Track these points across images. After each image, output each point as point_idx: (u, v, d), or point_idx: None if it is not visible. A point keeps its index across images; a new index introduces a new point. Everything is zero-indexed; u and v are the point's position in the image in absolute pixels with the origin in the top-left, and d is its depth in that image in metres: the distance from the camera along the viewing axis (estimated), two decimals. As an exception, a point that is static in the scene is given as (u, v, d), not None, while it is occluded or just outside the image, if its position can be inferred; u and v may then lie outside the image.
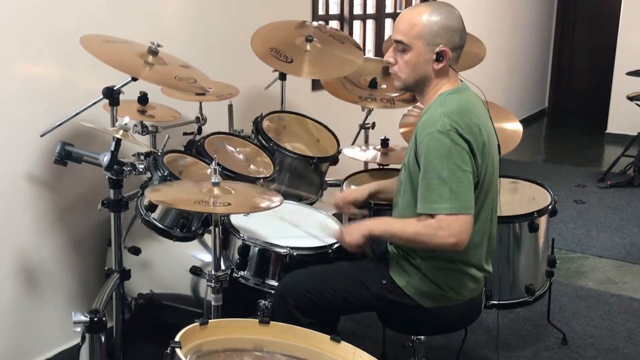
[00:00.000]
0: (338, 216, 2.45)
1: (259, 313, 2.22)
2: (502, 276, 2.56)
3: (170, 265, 2.56)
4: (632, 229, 4.33)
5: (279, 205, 1.97)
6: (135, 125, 2.57)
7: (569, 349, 2.86)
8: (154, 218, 2.26)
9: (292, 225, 2.40)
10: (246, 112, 3.21)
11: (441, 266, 1.94)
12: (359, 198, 2.27)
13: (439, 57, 1.89)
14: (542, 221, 2.62)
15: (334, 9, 4.31)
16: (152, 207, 2.25)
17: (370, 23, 4.66)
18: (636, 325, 3.08)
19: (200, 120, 2.87)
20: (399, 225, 1.90)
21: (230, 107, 2.97)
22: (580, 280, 3.57)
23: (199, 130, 2.88)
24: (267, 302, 2.21)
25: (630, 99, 5.32)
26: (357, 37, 4.52)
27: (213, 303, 2.06)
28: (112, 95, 2.26)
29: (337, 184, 2.88)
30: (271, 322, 1.63)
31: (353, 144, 3.35)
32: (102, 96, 2.27)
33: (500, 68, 6.68)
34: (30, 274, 2.57)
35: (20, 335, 2.56)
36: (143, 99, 2.58)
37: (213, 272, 2.03)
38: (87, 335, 1.88)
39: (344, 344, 1.61)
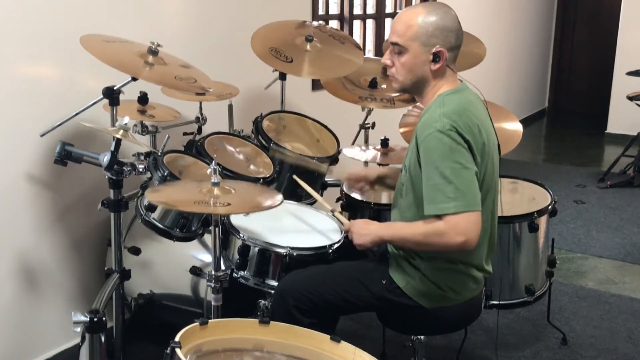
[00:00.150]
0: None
1: (259, 313, 2.21)
2: (502, 276, 2.56)
3: (170, 265, 2.56)
4: (632, 229, 4.33)
5: (280, 204, 1.97)
6: (135, 125, 2.57)
7: (569, 349, 2.86)
8: (154, 218, 2.26)
9: (293, 225, 2.40)
10: (246, 112, 3.21)
11: (441, 266, 1.94)
12: (368, 176, 2.37)
13: (436, 57, 1.89)
14: (542, 221, 2.62)
15: (334, 9, 4.31)
16: (152, 207, 2.25)
17: (370, 23, 4.66)
18: (636, 325, 3.08)
19: (200, 120, 2.87)
20: (408, 229, 1.89)
21: (230, 107, 2.97)
22: (580, 280, 3.57)
23: (199, 130, 2.88)
24: (267, 302, 2.21)
25: (630, 98, 5.32)
26: (357, 37, 4.52)
27: (213, 303, 2.06)
28: (112, 95, 2.26)
29: (337, 184, 2.88)
30: (271, 322, 1.63)
31: (353, 144, 3.35)
32: (102, 96, 2.27)
33: (500, 68, 6.68)
34: (30, 274, 2.57)
35: (20, 335, 2.56)
36: (143, 99, 2.58)
37: (213, 272, 2.03)
38: (87, 335, 1.88)
39: (344, 344, 1.61)
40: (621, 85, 6.50)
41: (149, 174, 2.28)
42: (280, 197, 2.00)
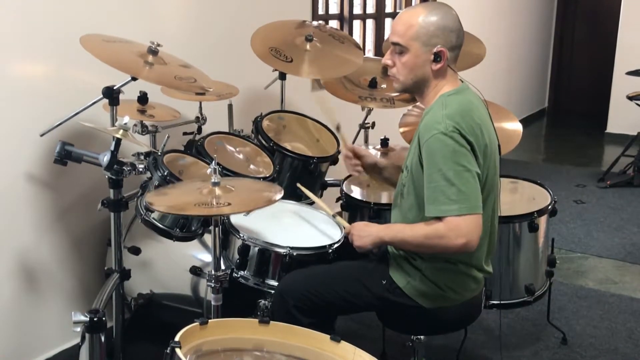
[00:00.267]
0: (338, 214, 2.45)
1: (259, 313, 2.21)
2: (502, 276, 2.56)
3: (170, 265, 2.55)
4: (632, 229, 4.33)
5: (280, 198, 1.96)
6: (135, 125, 2.56)
7: (569, 349, 2.86)
8: (153, 218, 2.26)
9: (293, 225, 2.40)
10: (246, 112, 3.21)
11: (441, 267, 1.94)
12: (366, 159, 2.26)
13: (437, 57, 1.89)
14: (542, 221, 2.62)
15: (334, 9, 4.31)
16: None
17: (370, 23, 4.66)
18: (636, 325, 3.08)
19: (200, 120, 2.86)
20: (409, 231, 1.89)
21: (230, 106, 2.97)
22: (580, 280, 3.57)
23: (199, 130, 2.88)
24: (267, 302, 2.21)
25: (630, 98, 5.32)
26: (357, 36, 4.52)
27: (213, 303, 2.06)
28: (112, 95, 2.26)
29: (337, 184, 2.88)
30: (271, 322, 1.63)
31: (353, 143, 3.34)
32: (102, 96, 2.26)
33: (500, 68, 6.67)
34: (30, 274, 2.57)
35: (20, 335, 2.56)
36: (143, 98, 2.58)
37: (213, 272, 2.03)
38: (87, 335, 1.88)
39: (344, 344, 1.61)
40: (621, 85, 6.50)
41: (149, 174, 2.27)
42: (281, 190, 1.99)
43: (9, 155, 2.43)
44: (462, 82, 1.98)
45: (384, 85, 3.20)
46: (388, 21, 4.77)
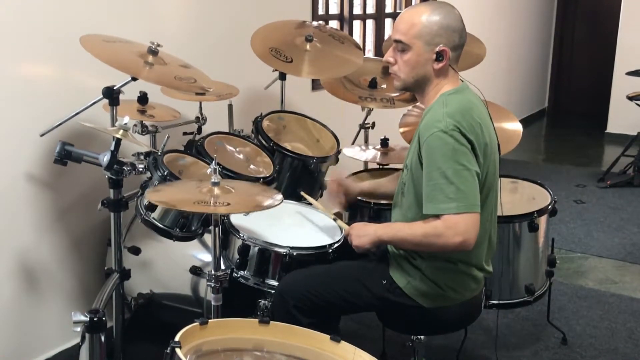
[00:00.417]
0: (338, 216, 2.45)
1: (259, 313, 2.21)
2: (502, 276, 2.56)
3: (170, 265, 2.55)
4: (632, 229, 4.33)
5: (279, 203, 1.96)
6: (135, 125, 2.56)
7: (569, 349, 2.86)
8: (154, 218, 2.26)
9: (293, 224, 2.40)
10: (246, 112, 3.21)
11: (441, 266, 1.94)
12: (349, 191, 2.35)
13: (439, 56, 1.89)
14: (542, 221, 2.62)
15: (334, 9, 4.31)
16: (152, 207, 2.24)
17: (370, 23, 4.66)
18: (636, 325, 3.08)
19: (200, 120, 2.86)
20: (407, 229, 1.89)
21: (230, 107, 2.97)
22: (580, 280, 3.57)
23: (199, 130, 2.88)
24: (267, 302, 2.21)
25: (630, 98, 5.32)
26: (357, 37, 4.52)
27: (213, 303, 2.06)
28: (112, 95, 2.26)
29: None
30: (271, 322, 1.63)
31: (353, 143, 3.35)
32: (102, 96, 2.26)
33: (500, 68, 6.67)
34: (30, 274, 2.57)
35: (20, 335, 2.56)
36: (143, 98, 2.58)
37: (213, 272, 2.03)
38: (87, 335, 1.88)
39: (344, 344, 1.61)
40: (621, 85, 6.50)
41: (148, 174, 2.27)
42: (280, 196, 2.00)
43: (9, 155, 2.43)
44: (462, 81, 1.98)
45: (384, 86, 3.20)
46: (388, 21, 4.77)
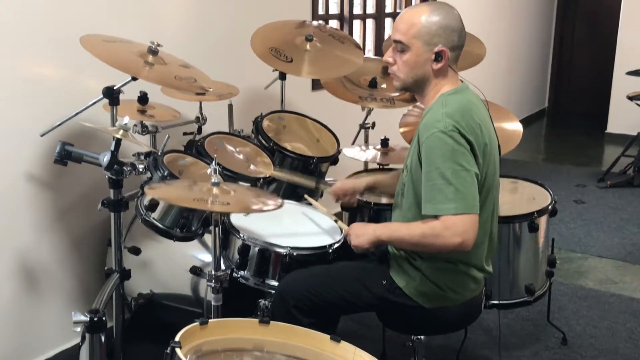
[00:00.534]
0: (339, 216, 2.45)
1: (259, 313, 2.21)
2: (502, 276, 2.56)
3: (170, 265, 2.55)
4: (632, 229, 4.33)
5: (279, 207, 1.96)
6: (135, 125, 2.56)
7: (569, 349, 2.86)
8: (154, 218, 2.26)
9: (293, 225, 2.40)
10: (246, 112, 3.21)
11: (441, 267, 1.94)
12: (356, 188, 2.35)
13: (438, 57, 1.89)
14: (542, 221, 2.62)
15: (334, 9, 4.31)
16: (152, 207, 2.24)
17: (370, 23, 4.66)
18: (636, 325, 3.08)
19: (200, 120, 2.86)
20: (405, 229, 1.89)
21: (230, 107, 2.97)
22: (580, 280, 3.57)
23: (199, 130, 2.88)
24: (267, 302, 2.21)
25: (630, 98, 5.32)
26: (357, 36, 4.52)
27: (213, 303, 2.06)
28: (112, 95, 2.26)
29: (337, 184, 2.87)
30: (271, 322, 1.63)
31: (353, 143, 3.35)
32: (102, 96, 2.26)
33: (500, 68, 6.67)
34: (30, 274, 2.57)
35: (20, 335, 2.56)
36: (143, 98, 2.58)
37: (213, 272, 2.03)
38: (87, 335, 1.88)
39: (344, 344, 1.61)
40: (621, 85, 6.50)
41: (149, 174, 2.27)
42: (279, 201, 1.99)
43: (9, 155, 2.43)
44: (462, 81, 1.98)
45: (384, 85, 3.20)
46: (388, 21, 4.77)
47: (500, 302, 2.58)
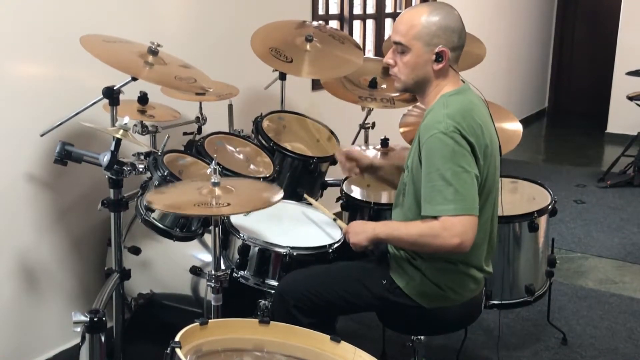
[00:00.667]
0: (339, 216, 2.45)
1: (259, 313, 2.21)
2: (502, 276, 2.56)
3: (170, 265, 2.55)
4: (632, 229, 4.33)
5: (280, 200, 1.95)
6: (135, 125, 2.56)
7: (569, 349, 2.86)
8: (154, 218, 2.26)
9: (293, 224, 2.40)
10: (246, 112, 3.21)
11: (441, 267, 1.94)
12: (361, 161, 2.30)
13: (438, 57, 1.89)
14: (542, 221, 2.62)
15: (334, 9, 4.31)
16: (152, 207, 2.24)
17: (370, 23, 4.66)
18: (636, 325, 3.08)
19: (200, 120, 2.86)
20: (403, 228, 1.89)
21: (230, 107, 2.97)
22: (580, 280, 3.57)
23: (199, 130, 2.88)
24: (267, 302, 2.21)
25: (630, 98, 5.32)
26: (357, 37, 4.52)
27: (213, 303, 2.06)
28: (112, 95, 2.26)
29: (337, 184, 2.88)
30: (271, 322, 1.63)
31: (353, 143, 3.35)
32: (102, 96, 2.26)
33: (500, 68, 6.68)
34: (30, 274, 2.57)
35: (20, 335, 2.56)
36: (143, 98, 2.58)
37: (213, 272, 2.03)
38: (87, 335, 1.88)
39: (344, 344, 1.61)
40: (621, 85, 6.50)
41: (149, 174, 2.27)
42: (281, 191, 1.99)
43: (9, 155, 2.43)
44: (464, 82, 1.98)
45: (384, 86, 3.20)
46: (388, 21, 4.77)
47: (501, 302, 2.58)
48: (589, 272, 3.68)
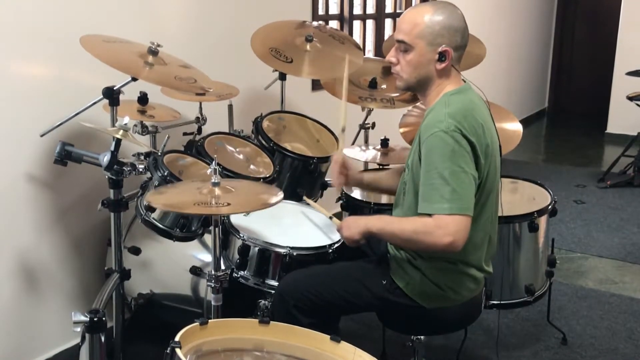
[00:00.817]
0: (338, 216, 2.45)
1: (259, 313, 2.21)
2: (502, 276, 2.56)
3: (170, 265, 2.56)
4: (632, 229, 4.33)
5: (280, 200, 1.96)
6: (135, 125, 2.57)
7: (569, 349, 2.86)
8: (154, 218, 2.26)
9: (293, 225, 2.40)
10: (246, 112, 3.21)
11: (441, 267, 1.94)
12: (354, 174, 2.30)
13: (441, 57, 1.89)
14: (542, 221, 2.62)
15: (334, 9, 4.31)
16: (152, 207, 2.25)
17: (370, 23, 4.66)
18: (636, 325, 3.08)
19: (200, 120, 2.87)
20: (397, 223, 1.89)
21: (230, 107, 2.97)
22: (580, 280, 3.57)
23: (199, 130, 2.88)
24: (267, 302, 2.21)
25: (630, 99, 5.32)
26: (357, 37, 4.52)
27: (213, 303, 2.06)
28: (112, 95, 2.26)
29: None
30: (271, 322, 1.63)
31: (353, 144, 3.35)
32: (102, 96, 2.26)
33: (500, 68, 6.68)
34: (30, 274, 2.57)
35: (20, 335, 2.56)
36: (143, 99, 2.58)
37: (213, 272, 2.03)
38: (87, 335, 1.88)
39: (344, 344, 1.61)
40: (621, 85, 6.50)
41: (149, 174, 2.28)
42: (280, 193, 1.99)
43: (9, 155, 2.43)
44: (465, 82, 1.98)
45: (384, 86, 3.20)
46: (388, 21, 4.77)
47: (500, 302, 2.58)
48: (589, 272, 3.68)
